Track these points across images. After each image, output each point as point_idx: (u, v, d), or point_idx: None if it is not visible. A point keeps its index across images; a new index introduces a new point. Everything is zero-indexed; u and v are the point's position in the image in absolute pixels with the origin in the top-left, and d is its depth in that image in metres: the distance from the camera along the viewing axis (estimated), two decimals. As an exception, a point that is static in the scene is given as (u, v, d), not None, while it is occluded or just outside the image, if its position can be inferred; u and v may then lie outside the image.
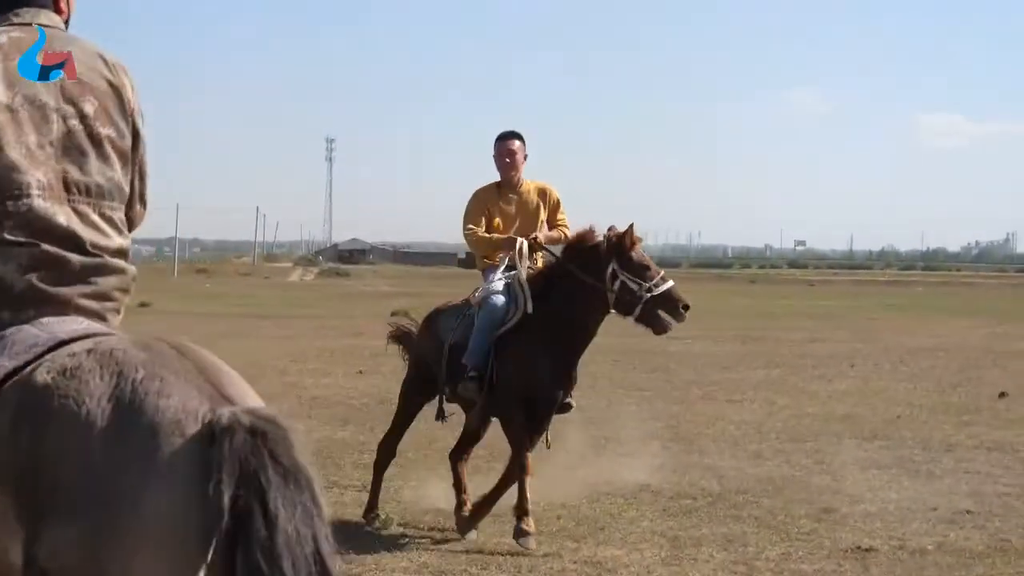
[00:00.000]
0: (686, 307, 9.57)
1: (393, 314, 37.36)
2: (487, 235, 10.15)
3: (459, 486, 10.06)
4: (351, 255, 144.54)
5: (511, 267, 9.84)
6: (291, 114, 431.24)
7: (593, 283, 9.47)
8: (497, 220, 10.19)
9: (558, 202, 10.52)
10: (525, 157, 10.38)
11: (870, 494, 11.25)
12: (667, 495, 11.14)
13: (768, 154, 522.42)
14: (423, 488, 10.94)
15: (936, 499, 11.05)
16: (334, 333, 30.67)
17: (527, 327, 9.53)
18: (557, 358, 9.60)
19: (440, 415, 10.26)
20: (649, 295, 9.38)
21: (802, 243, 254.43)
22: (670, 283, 9.58)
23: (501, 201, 10.28)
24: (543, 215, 10.33)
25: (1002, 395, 18.47)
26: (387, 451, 10.53)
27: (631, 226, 9.64)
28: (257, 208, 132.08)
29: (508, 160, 10.26)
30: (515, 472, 9.43)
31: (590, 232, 9.86)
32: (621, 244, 9.51)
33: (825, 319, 39.51)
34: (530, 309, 9.52)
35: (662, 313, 9.49)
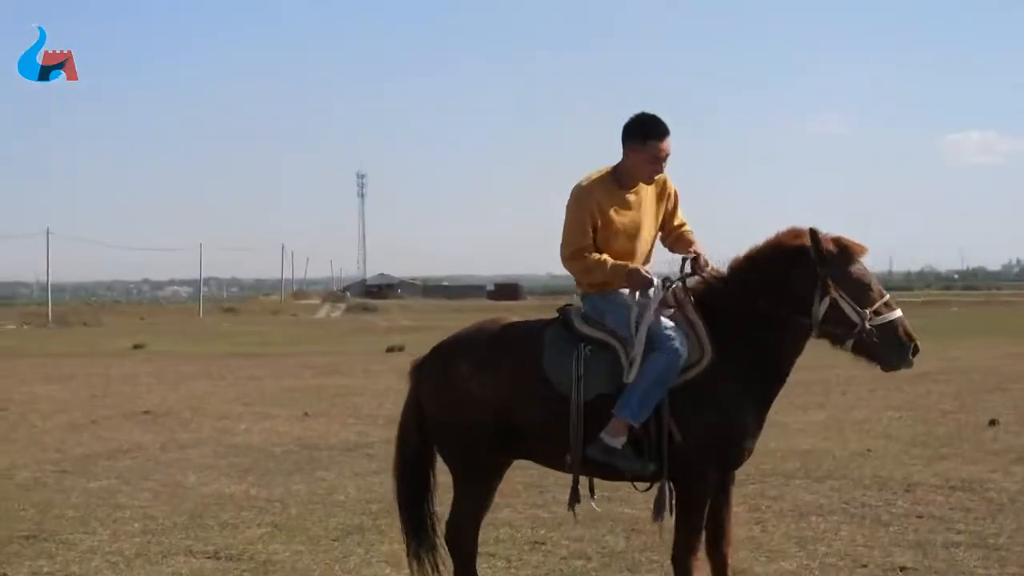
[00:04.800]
0: (915, 350, 7.29)
1: (388, 350, 37.32)
2: (604, 261, 7.45)
3: None
4: (379, 289, 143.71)
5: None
6: (321, 150, 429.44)
7: (790, 314, 7.37)
8: (616, 226, 7.50)
9: (677, 196, 7.86)
10: None
11: (796, 548, 9.74)
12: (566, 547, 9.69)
13: (796, 178, 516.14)
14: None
15: (872, 552, 9.53)
16: (310, 372, 29.36)
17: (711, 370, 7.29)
18: (755, 404, 7.50)
19: (574, 499, 7.72)
20: (869, 327, 7.25)
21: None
22: (896, 312, 7.32)
23: (617, 202, 7.53)
24: (661, 216, 7.80)
25: (992, 423, 16.87)
26: (470, 543, 7.92)
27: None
28: (283, 245, 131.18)
29: (659, 167, 7.59)
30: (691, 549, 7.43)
31: (793, 233, 7.46)
32: (843, 252, 7.34)
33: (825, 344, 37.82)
34: (709, 357, 7.26)
35: (886, 350, 7.31)
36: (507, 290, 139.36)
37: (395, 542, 10.04)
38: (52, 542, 10.32)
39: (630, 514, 10.72)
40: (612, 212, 7.49)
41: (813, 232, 7.29)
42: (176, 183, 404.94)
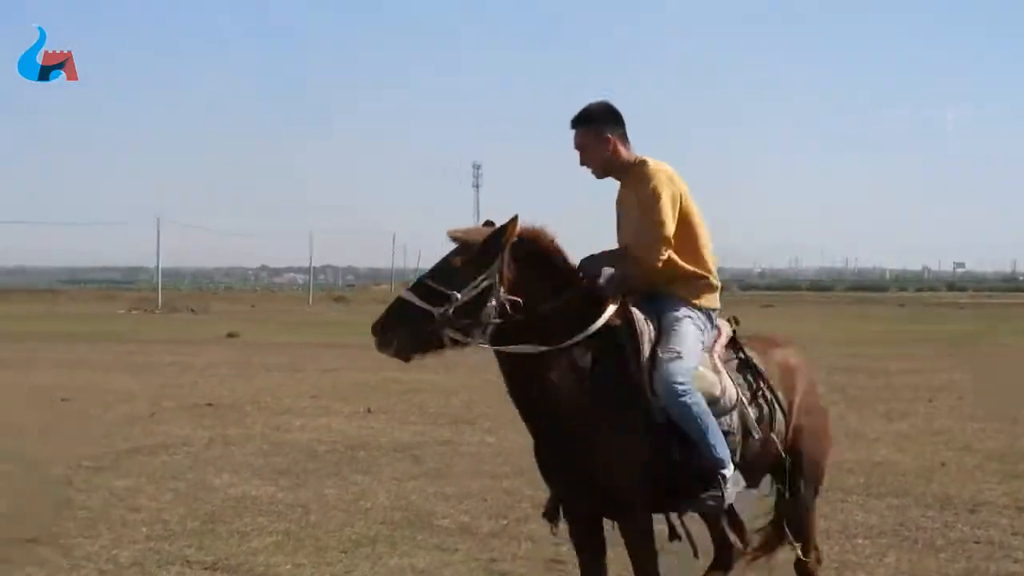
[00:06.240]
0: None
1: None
2: None
3: None
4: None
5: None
6: (436, 142, 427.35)
7: None
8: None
9: (645, 197, 6.86)
10: (607, 140, 6.97)
11: (834, 574, 8.98)
12: None
13: (923, 173, 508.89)
14: None
15: (915, 583, 8.78)
16: (393, 364, 28.66)
17: None
18: None
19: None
20: None
21: (961, 265, 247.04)
22: None
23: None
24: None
25: (1085, 440, 15.86)
26: None
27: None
28: (393, 235, 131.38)
29: (580, 157, 7.11)
30: None
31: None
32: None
33: (944, 345, 36.66)
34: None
35: None
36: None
37: (405, 555, 9.54)
38: (52, 546, 9.87)
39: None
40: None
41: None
42: (296, 172, 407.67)
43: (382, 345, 6.44)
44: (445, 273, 6.48)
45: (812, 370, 7.58)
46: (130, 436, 16.06)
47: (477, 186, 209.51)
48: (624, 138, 7.05)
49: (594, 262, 6.75)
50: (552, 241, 6.72)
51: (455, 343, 6.47)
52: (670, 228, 6.75)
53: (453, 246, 6.58)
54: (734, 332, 7.18)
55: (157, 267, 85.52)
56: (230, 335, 41.64)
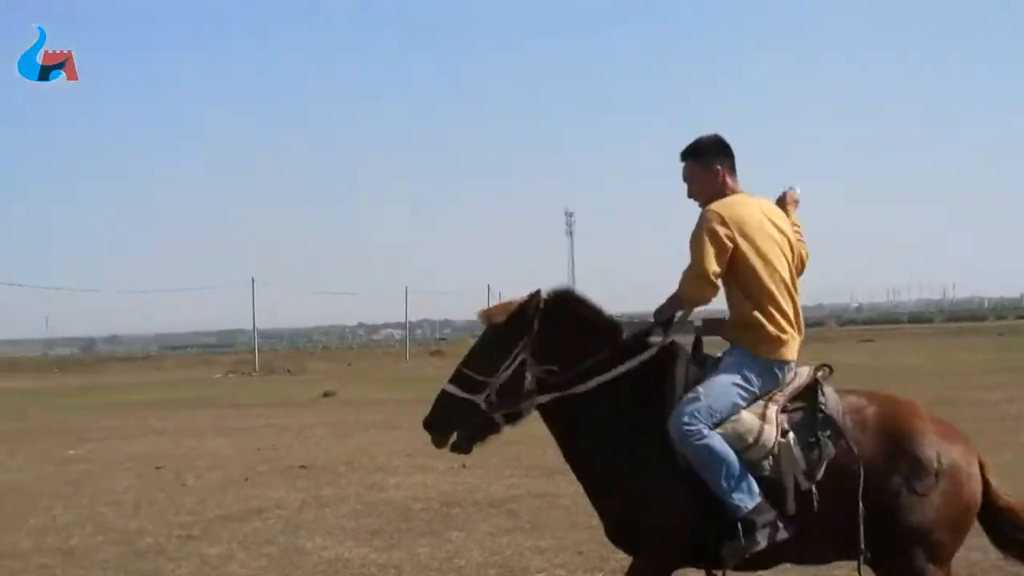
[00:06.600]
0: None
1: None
2: None
3: None
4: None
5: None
6: (527, 189, 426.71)
7: None
8: None
9: (691, 233, 6.85)
10: (716, 172, 7.00)
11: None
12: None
13: (1016, 197, 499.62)
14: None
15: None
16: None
17: None
18: None
19: None
20: None
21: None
22: None
23: None
24: None
25: None
26: None
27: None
28: (488, 286, 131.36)
29: (688, 189, 7.16)
30: None
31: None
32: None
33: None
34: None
35: None
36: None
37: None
38: (143, 619, 9.78)
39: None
40: None
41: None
42: (389, 225, 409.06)
43: (438, 442, 6.92)
44: (479, 357, 6.82)
45: (942, 435, 7.12)
46: (223, 502, 15.98)
47: (571, 233, 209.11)
48: (732, 169, 7.10)
49: (662, 311, 6.76)
50: (581, 302, 6.91)
51: (508, 420, 6.98)
52: (709, 266, 6.66)
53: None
54: (817, 380, 6.91)
55: (253, 329, 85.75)
56: (326, 394, 41.56)
